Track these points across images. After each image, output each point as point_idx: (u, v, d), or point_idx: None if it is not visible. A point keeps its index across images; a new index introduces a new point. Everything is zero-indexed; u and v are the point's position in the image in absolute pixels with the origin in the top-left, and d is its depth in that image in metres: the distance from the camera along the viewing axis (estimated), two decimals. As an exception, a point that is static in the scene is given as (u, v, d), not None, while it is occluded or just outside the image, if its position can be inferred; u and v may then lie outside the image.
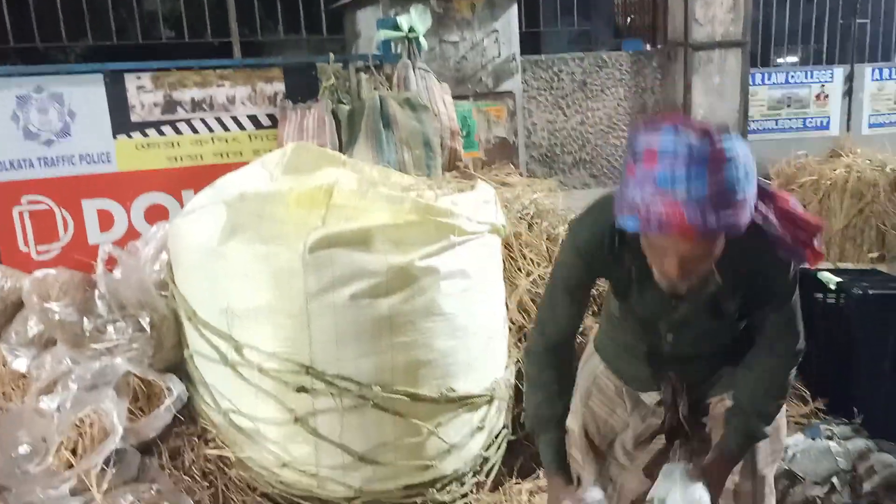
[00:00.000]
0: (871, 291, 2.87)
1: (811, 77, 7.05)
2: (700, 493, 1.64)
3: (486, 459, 2.69)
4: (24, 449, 2.25)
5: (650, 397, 1.85)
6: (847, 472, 2.51)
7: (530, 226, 3.21)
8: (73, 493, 2.17)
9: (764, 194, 1.41)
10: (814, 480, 2.51)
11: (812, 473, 2.53)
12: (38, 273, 2.81)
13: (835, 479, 2.50)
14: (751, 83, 6.62)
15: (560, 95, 5.83)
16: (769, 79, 6.93)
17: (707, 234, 1.31)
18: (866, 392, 2.86)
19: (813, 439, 2.67)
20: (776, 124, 6.96)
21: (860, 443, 2.61)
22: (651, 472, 1.91)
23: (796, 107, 7.02)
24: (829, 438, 2.67)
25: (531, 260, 3.06)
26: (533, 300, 2.95)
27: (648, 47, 6.68)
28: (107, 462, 2.23)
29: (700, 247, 1.35)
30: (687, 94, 6.18)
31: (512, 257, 3.02)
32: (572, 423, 2.18)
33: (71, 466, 2.24)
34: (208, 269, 2.50)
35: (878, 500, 2.40)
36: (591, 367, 2.08)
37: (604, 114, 6.00)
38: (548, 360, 1.77)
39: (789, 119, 7.01)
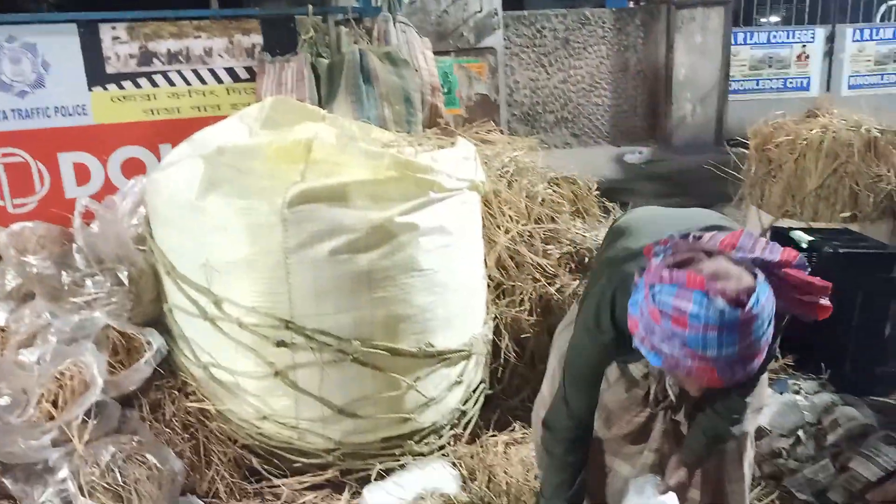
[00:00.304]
0: (841, 250, 2.93)
1: (793, 37, 7.06)
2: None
3: (463, 413, 2.74)
4: (4, 400, 2.26)
5: (637, 369, 1.89)
6: (812, 425, 2.59)
7: (510, 183, 3.22)
8: (55, 443, 2.18)
9: (770, 267, 1.41)
10: (780, 433, 2.59)
11: (779, 426, 2.61)
12: (15, 226, 2.79)
13: (800, 432, 2.58)
14: (733, 42, 6.61)
15: (542, 53, 5.80)
16: (751, 38, 6.93)
17: (733, 384, 1.37)
18: (834, 349, 2.93)
19: (781, 393, 2.75)
20: (757, 84, 6.97)
21: (826, 397, 2.69)
22: (631, 440, 1.97)
23: (777, 67, 7.03)
24: (797, 393, 2.74)
25: (510, 217, 3.07)
26: (512, 257, 2.98)
27: (631, 4, 6.65)
28: (88, 414, 2.24)
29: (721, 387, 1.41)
30: (669, 53, 6.17)
31: (491, 214, 3.03)
32: (546, 388, 2.23)
33: (52, 418, 2.25)
34: (187, 224, 2.50)
35: (841, 451, 2.48)
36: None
37: (586, 72, 5.98)
38: (575, 435, 1.82)
39: (770, 79, 7.03)
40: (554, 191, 3.34)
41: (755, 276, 1.33)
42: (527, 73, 5.76)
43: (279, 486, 2.44)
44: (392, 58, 3.70)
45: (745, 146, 4.04)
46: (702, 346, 1.29)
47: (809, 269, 1.44)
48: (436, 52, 4.04)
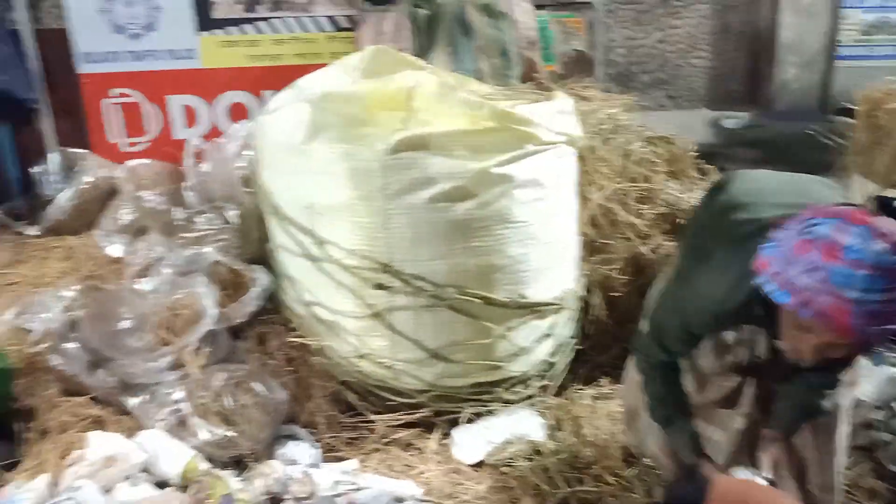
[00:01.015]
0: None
1: (909, -1, 6.63)
2: None
3: (551, 365, 2.78)
4: (125, 324, 2.42)
5: (729, 335, 1.88)
6: (910, 400, 2.53)
7: (606, 141, 3.19)
8: (171, 367, 2.34)
9: None
10: (875, 405, 2.55)
11: (874, 398, 2.56)
12: (132, 163, 2.96)
13: (894, 404, 2.53)
14: (843, 5, 6.27)
15: (640, 10, 5.62)
16: (863, 1, 6.54)
17: (862, 339, 1.31)
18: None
19: (877, 366, 2.68)
20: (867, 50, 6.60)
21: (926, 372, 2.61)
22: (721, 405, 1.97)
23: (890, 32, 6.62)
24: (893, 366, 2.68)
25: (605, 175, 3.05)
26: (605, 215, 2.97)
27: (736, -39, 6.35)
28: (200, 342, 2.38)
29: (847, 343, 1.34)
30: (774, 15, 5.90)
31: (586, 171, 3.02)
32: None
33: (167, 344, 2.40)
34: (292, 167, 2.58)
35: (939, 427, 2.42)
36: None
37: (685, 32, 5.77)
38: (667, 365, 1.86)
39: (882, 46, 6.62)
40: (650, 150, 3.29)
41: None
42: (623, 31, 5.60)
43: (374, 421, 2.54)
44: (491, 10, 3.69)
45: (851, 114, 3.87)
46: (846, 284, 1.25)
47: None
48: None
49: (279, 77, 3.45)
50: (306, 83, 2.91)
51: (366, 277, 2.49)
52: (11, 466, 2.24)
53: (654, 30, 5.66)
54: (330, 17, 3.75)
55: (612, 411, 2.57)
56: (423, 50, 3.65)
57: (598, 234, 2.97)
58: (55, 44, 3.49)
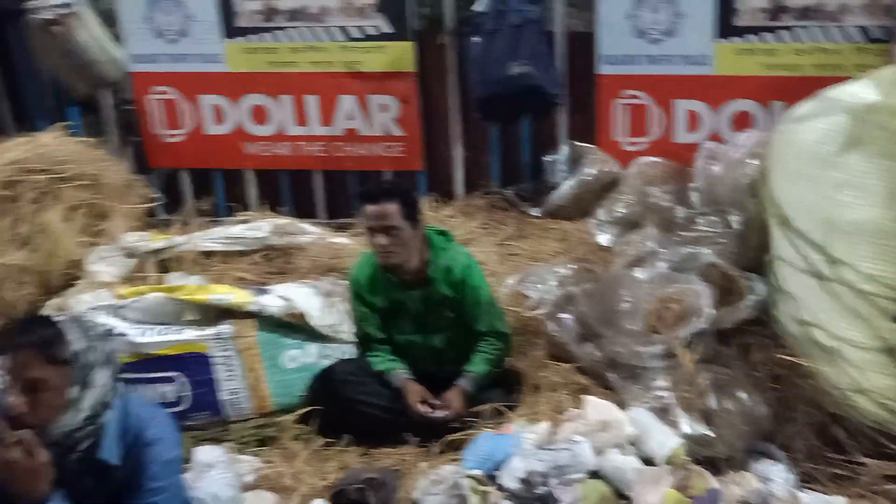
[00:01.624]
0: None
1: None
2: None
3: None
4: (623, 306, 2.57)
5: None
6: None
7: None
8: (661, 356, 2.41)
9: None
10: None
11: None
12: (643, 160, 3.11)
13: None
14: None
15: None
16: None
17: None
18: None
19: None
20: None
21: None
22: None
23: None
24: None
25: None
26: None
27: None
28: (691, 338, 2.41)
29: None
30: None
31: None
32: None
33: (656, 332, 2.48)
34: (816, 178, 2.45)
35: None
36: None
37: None
38: None
39: None
40: None
41: None
42: None
43: (865, 465, 2.28)
44: None
45: None
46: None
47: None
48: None
49: (792, 88, 3.29)
50: (838, 94, 2.72)
51: (884, 307, 2.26)
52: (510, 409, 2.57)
53: None
54: (862, 28, 3.45)
55: None
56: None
57: None
58: (580, 46, 3.83)
